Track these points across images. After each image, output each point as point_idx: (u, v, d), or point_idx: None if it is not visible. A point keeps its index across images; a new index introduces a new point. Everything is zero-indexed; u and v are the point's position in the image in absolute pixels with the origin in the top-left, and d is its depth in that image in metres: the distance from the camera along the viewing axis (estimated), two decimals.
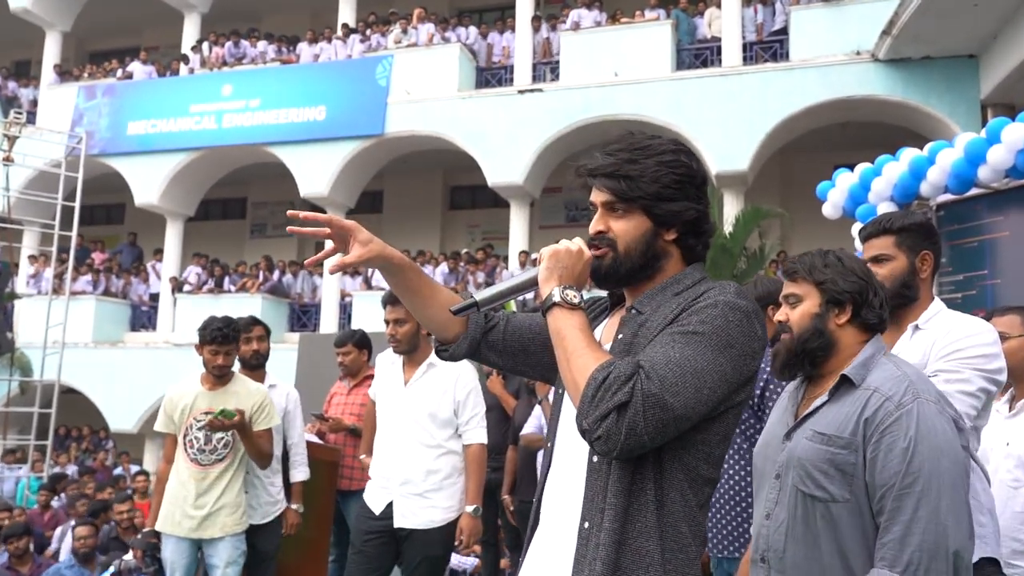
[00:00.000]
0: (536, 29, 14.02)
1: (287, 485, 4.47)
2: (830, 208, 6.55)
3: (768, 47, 12.61)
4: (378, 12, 15.47)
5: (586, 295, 1.55)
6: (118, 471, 12.14)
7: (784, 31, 12.39)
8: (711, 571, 3.09)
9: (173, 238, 15.63)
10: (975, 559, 2.13)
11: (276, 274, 15.11)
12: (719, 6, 12.83)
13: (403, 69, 13.88)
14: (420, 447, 3.63)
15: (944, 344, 2.22)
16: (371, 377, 4.56)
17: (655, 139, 1.56)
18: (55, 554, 7.38)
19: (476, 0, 17.12)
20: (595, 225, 1.57)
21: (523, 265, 12.52)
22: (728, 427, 1.48)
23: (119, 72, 16.36)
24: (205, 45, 16.01)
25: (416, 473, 3.62)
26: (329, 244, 1.69)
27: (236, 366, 4.28)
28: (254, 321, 4.57)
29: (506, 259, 13.63)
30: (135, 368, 14.32)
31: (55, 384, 11.05)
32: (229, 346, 4.09)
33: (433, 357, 3.71)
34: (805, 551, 1.77)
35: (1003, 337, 2.45)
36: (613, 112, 12.36)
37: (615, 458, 1.39)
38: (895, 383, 1.74)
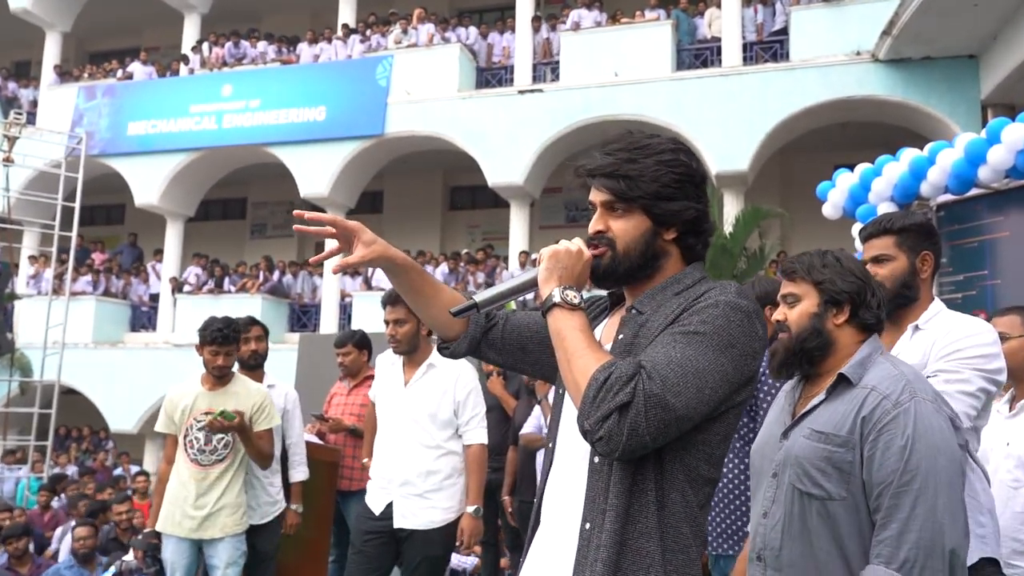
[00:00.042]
0: (536, 29, 14.02)
1: (286, 485, 4.47)
2: (830, 208, 6.55)
3: (768, 47, 12.61)
4: (378, 12, 15.48)
5: (586, 294, 1.56)
6: (118, 471, 12.14)
7: (784, 31, 12.40)
8: (709, 569, 3.10)
9: (173, 238, 15.63)
10: (975, 559, 2.14)
11: (276, 274, 15.11)
12: (719, 6, 12.84)
13: (403, 69, 13.88)
14: (420, 448, 3.64)
15: (944, 344, 2.22)
16: (371, 378, 4.57)
17: (654, 138, 1.56)
18: (55, 555, 7.39)
19: (476, 0, 17.12)
20: (594, 225, 1.57)
21: (523, 266, 12.53)
22: (729, 427, 1.48)
23: (119, 72, 16.37)
24: (205, 45, 16.02)
25: (416, 474, 3.62)
26: (331, 244, 1.70)
27: (235, 366, 4.29)
28: (252, 321, 4.58)
29: (506, 259, 13.64)
30: (135, 368, 14.32)
31: (55, 384, 11.05)
32: (229, 347, 4.10)
33: (433, 357, 3.72)
34: (802, 549, 1.78)
35: (1003, 337, 2.45)
36: (613, 112, 12.37)
37: (617, 459, 1.39)
38: (892, 382, 1.75)
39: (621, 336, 1.53)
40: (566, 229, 15.08)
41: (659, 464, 1.42)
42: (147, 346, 14.92)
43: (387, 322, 3.72)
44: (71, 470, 12.27)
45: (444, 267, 13.77)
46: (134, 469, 11.57)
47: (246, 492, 4.16)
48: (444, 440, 3.67)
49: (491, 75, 14.41)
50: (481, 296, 1.57)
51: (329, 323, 14.08)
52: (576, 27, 13.30)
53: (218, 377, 4.12)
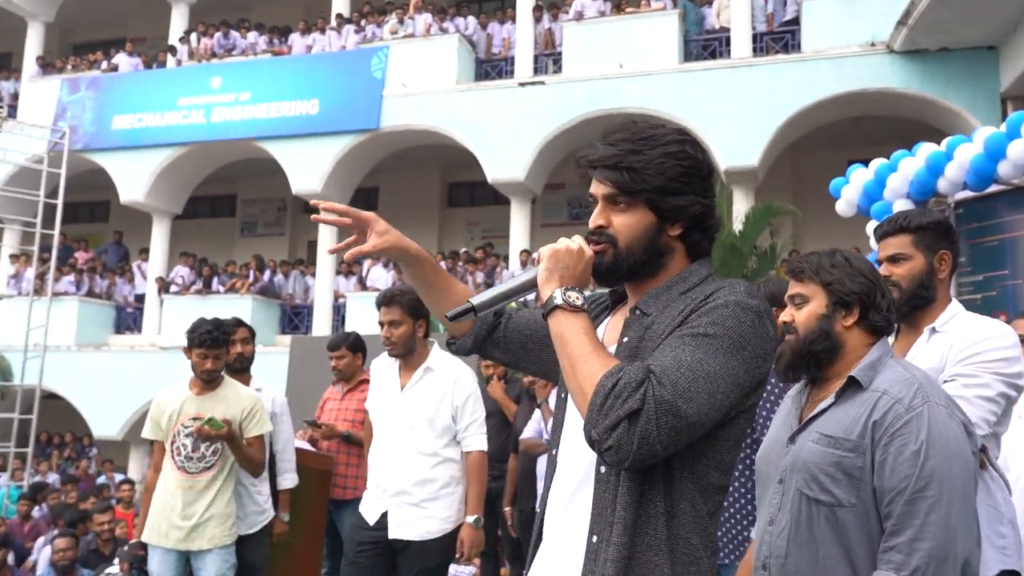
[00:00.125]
0: (538, 19, 14.03)
1: (275, 493, 4.47)
2: (844, 205, 6.55)
3: (779, 38, 12.61)
4: (373, 2, 15.50)
5: (586, 293, 1.55)
6: (102, 480, 12.15)
7: (796, 21, 12.40)
8: None
9: (159, 237, 15.64)
10: (995, 572, 2.13)
11: (267, 274, 15.12)
12: None
13: (399, 61, 13.89)
14: (416, 455, 3.63)
15: (962, 347, 2.22)
16: (366, 382, 4.56)
17: (659, 128, 1.54)
18: (34, 566, 7.38)
19: None
20: (595, 219, 1.55)
21: (524, 265, 12.53)
22: (739, 432, 1.47)
23: (104, 64, 16.38)
24: (193, 36, 16.03)
25: (412, 482, 3.61)
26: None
27: None
28: (238, 323, 4.59)
29: (506, 259, 13.64)
30: (120, 372, 14.33)
31: (36, 389, 11.06)
32: (219, 349, 4.10)
33: (430, 360, 3.71)
34: (808, 557, 1.78)
35: None
36: (618, 106, 12.37)
37: (626, 469, 1.38)
38: (904, 386, 1.75)
39: (626, 339, 1.51)
40: (569, 227, 15.08)
41: (668, 473, 1.41)
42: (132, 349, 14.93)
43: (382, 323, 3.72)
44: (52, 478, 12.27)
45: (442, 266, 13.75)
46: (118, 477, 11.58)
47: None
48: (442, 447, 3.66)
49: (491, 67, 14.42)
50: (478, 299, 1.55)
51: (322, 325, 14.08)
52: (579, 17, 13.31)
53: (207, 381, 4.12)
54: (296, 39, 15.39)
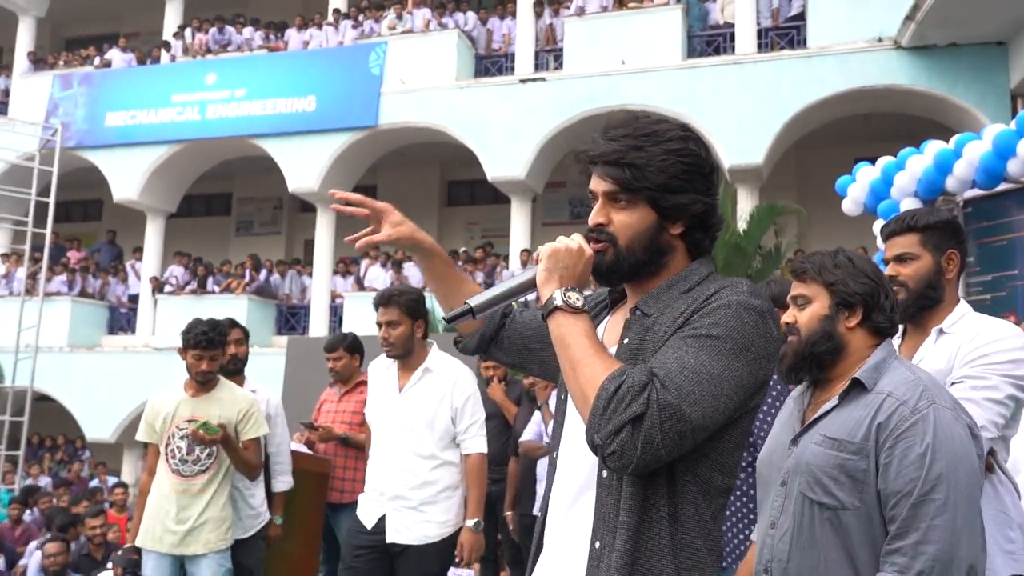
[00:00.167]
0: (538, 15, 14.03)
1: (270, 496, 4.47)
2: (850, 204, 6.55)
3: (784, 33, 12.61)
4: None
5: (586, 292, 1.55)
6: (94, 483, 12.15)
7: (801, 16, 12.40)
8: None
9: (154, 236, 15.64)
10: None
11: (263, 274, 15.12)
12: None
13: (398, 57, 13.89)
14: (414, 457, 3.63)
15: (970, 349, 2.22)
16: (363, 383, 4.56)
17: (661, 124, 1.53)
18: (25, 571, 7.38)
19: None
20: (595, 216, 1.54)
21: (524, 264, 12.53)
22: (742, 433, 1.47)
23: (97, 60, 16.39)
24: (188, 31, 16.04)
25: (410, 485, 3.61)
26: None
27: None
28: (232, 323, 4.60)
29: (506, 258, 13.65)
30: (113, 374, 14.33)
31: (28, 391, 11.07)
32: (214, 351, 4.10)
33: (429, 361, 3.71)
34: (811, 560, 1.79)
35: None
36: (620, 103, 12.35)
37: (629, 474, 1.37)
38: (909, 388, 1.76)
39: (626, 340, 1.51)
40: (570, 226, 15.08)
41: (671, 476, 1.41)
42: (126, 350, 14.93)
43: (379, 324, 3.72)
44: (44, 481, 12.28)
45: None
46: (112, 481, 11.59)
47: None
48: (440, 450, 3.66)
49: (491, 63, 14.42)
50: (476, 300, 1.55)
51: (319, 326, 14.09)
52: (581, 12, 13.31)
53: (202, 383, 4.12)
54: (292, 35, 15.41)
